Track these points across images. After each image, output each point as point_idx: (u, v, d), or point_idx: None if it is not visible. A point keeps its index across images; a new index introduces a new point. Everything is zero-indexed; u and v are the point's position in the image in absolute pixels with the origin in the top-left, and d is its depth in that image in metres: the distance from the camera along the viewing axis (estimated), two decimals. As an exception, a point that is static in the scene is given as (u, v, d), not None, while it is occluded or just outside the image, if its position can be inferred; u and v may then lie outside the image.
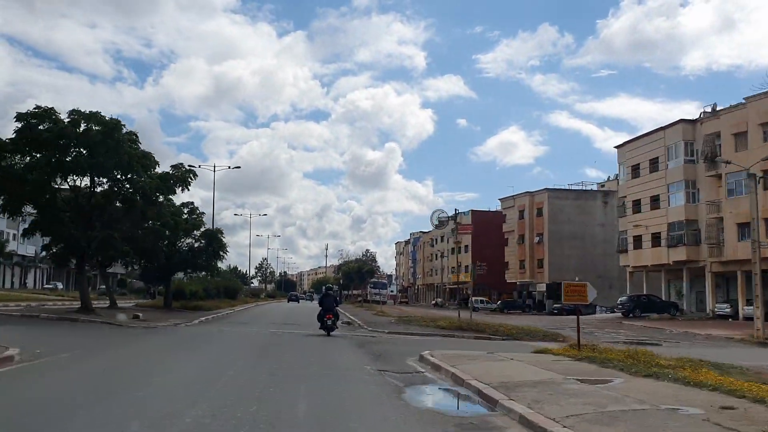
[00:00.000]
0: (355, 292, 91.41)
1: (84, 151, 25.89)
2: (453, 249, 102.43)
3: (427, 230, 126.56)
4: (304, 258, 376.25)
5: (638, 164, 52.76)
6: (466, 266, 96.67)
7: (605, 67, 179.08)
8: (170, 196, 30.19)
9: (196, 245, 34.75)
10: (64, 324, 23.37)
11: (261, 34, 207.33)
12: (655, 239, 50.30)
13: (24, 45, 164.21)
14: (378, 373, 11.57)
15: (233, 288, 56.62)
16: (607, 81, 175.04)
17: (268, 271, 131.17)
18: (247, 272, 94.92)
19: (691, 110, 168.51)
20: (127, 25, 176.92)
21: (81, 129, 25.85)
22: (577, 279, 27.35)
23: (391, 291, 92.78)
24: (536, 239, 73.28)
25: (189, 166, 31.43)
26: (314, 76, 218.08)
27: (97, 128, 25.67)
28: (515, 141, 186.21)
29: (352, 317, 35.98)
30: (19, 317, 25.52)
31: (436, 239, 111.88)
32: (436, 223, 24.21)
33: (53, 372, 10.84)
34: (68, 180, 26.65)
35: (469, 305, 79.99)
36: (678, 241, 47.55)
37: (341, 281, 73.31)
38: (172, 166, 30.82)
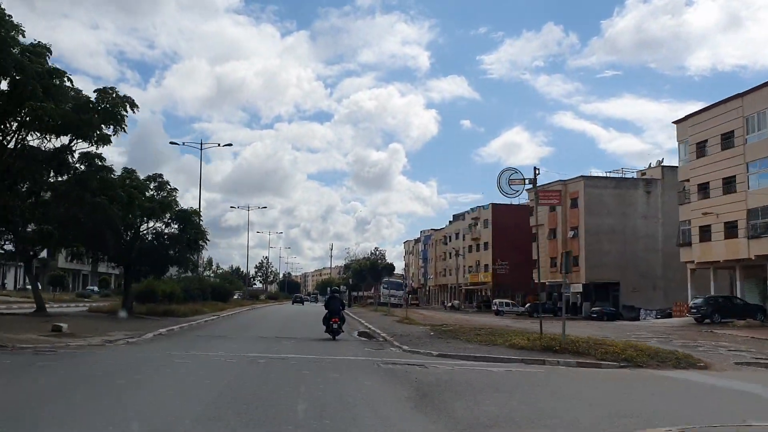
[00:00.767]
0: (364, 293, 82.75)
1: None
2: (470, 247, 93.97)
3: (439, 227, 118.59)
4: (309, 260, 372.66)
5: (705, 141, 44.20)
6: (486, 265, 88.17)
7: (610, 68, 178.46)
8: (99, 150, 21.07)
9: (165, 232, 26.25)
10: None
11: (264, 35, 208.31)
12: (730, 229, 41.70)
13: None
14: None
15: (223, 289, 48.15)
16: (612, 81, 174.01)
17: (269, 270, 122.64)
18: (246, 271, 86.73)
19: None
20: (129, 26, 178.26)
21: None
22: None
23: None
24: (570, 234, 64.64)
25: (171, 142, 23.19)
26: (318, 77, 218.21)
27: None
28: (519, 142, 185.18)
29: (369, 325, 27.55)
30: None
31: (450, 236, 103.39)
32: (506, 187, 15.60)
33: None
34: None
35: (493, 308, 72.10)
36: (762, 231, 38.94)
37: (350, 281, 64.60)
38: (96, 91, 21.48)
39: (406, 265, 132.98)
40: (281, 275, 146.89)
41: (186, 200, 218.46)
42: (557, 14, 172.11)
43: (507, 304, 69.17)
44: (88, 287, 69.57)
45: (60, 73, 19.51)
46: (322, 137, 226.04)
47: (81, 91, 20.75)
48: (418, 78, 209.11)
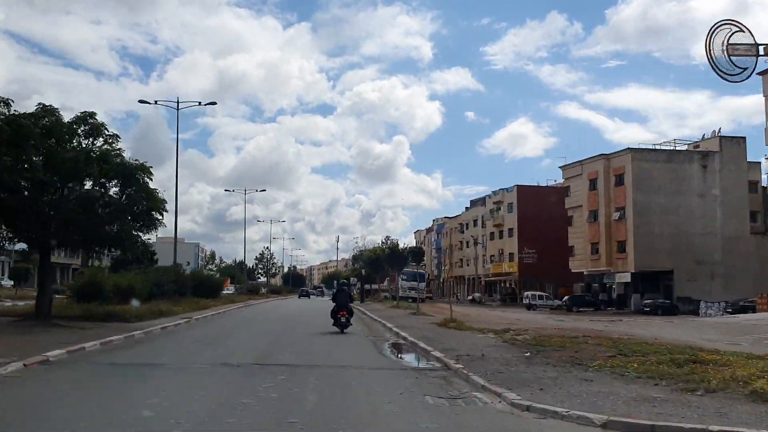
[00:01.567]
0: (379, 286, 73.79)
1: None
2: (492, 234, 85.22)
3: (453, 215, 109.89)
4: (314, 253, 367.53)
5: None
6: (510, 254, 79.39)
7: (614, 57, 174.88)
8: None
9: (100, 193, 17.51)
10: None
11: (265, 27, 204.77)
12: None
13: (30, 42, 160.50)
14: None
15: (211, 283, 39.55)
16: (617, 71, 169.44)
17: (272, 262, 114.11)
18: (244, 262, 78.12)
19: (703, 100, 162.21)
20: (131, 21, 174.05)
21: None
22: None
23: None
24: (615, 215, 55.82)
25: (140, 101, 14.45)
26: (320, 69, 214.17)
27: None
28: (524, 133, 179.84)
29: (400, 331, 19.11)
30: None
31: (467, 224, 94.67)
32: (724, 61, 6.66)
33: None
34: None
35: (524, 302, 63.47)
36: None
37: (363, 272, 55.75)
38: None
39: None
40: (286, 268, 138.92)
41: (191, 195, 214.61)
42: (561, 3, 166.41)
43: (540, 297, 60.50)
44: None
45: None
46: (325, 130, 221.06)
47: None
48: (421, 69, 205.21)
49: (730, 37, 7.88)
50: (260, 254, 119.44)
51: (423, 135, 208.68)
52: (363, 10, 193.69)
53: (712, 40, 7.96)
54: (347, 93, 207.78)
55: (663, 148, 57.84)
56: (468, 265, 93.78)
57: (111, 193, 17.99)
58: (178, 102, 34.94)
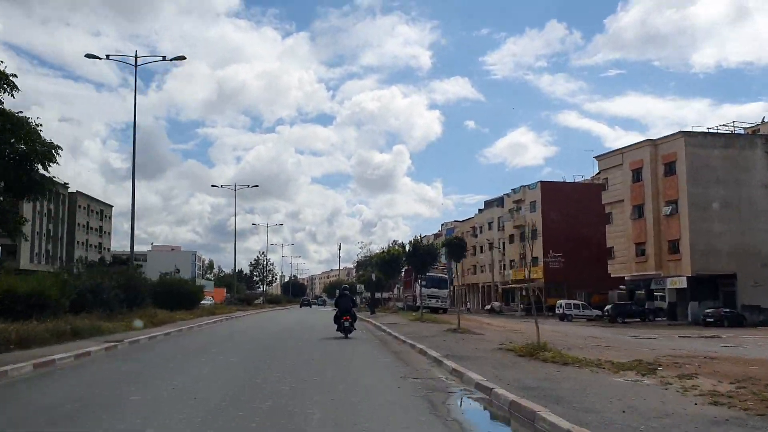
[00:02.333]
0: (387, 295, 65.11)
1: None
2: (511, 236, 77.01)
3: (462, 219, 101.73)
4: (315, 263, 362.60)
5: None
6: (535, 258, 71.15)
7: (614, 66, 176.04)
8: None
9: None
10: None
11: (264, 37, 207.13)
12: None
13: (29, 54, 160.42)
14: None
15: (180, 290, 31.32)
16: (616, 80, 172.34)
17: (267, 269, 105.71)
18: (234, 268, 70.13)
19: (703, 108, 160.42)
20: (130, 32, 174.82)
21: None
22: None
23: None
24: (666, 210, 47.70)
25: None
26: (319, 79, 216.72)
27: None
28: (524, 142, 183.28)
29: (465, 372, 10.79)
30: None
31: (481, 227, 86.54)
32: None
33: None
34: None
35: (557, 311, 55.20)
36: None
37: (373, 277, 47.23)
38: None
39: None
40: (286, 277, 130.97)
41: (192, 206, 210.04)
42: (560, 12, 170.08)
43: (576, 306, 52.32)
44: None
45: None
46: (325, 140, 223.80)
47: None
48: (420, 79, 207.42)
49: None
50: (255, 260, 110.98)
51: (423, 144, 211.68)
52: (361, 20, 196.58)
53: None
54: (346, 103, 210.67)
55: (720, 131, 49.85)
56: (482, 271, 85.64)
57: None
58: (136, 56, 27.25)
